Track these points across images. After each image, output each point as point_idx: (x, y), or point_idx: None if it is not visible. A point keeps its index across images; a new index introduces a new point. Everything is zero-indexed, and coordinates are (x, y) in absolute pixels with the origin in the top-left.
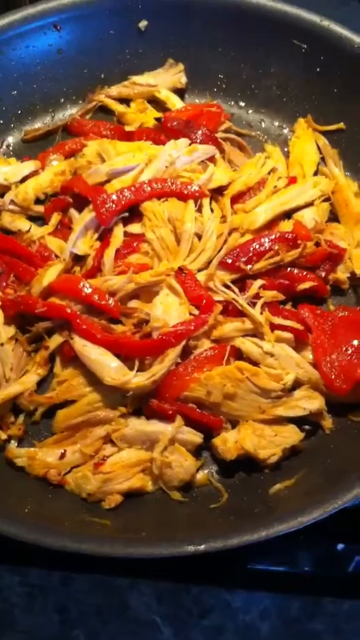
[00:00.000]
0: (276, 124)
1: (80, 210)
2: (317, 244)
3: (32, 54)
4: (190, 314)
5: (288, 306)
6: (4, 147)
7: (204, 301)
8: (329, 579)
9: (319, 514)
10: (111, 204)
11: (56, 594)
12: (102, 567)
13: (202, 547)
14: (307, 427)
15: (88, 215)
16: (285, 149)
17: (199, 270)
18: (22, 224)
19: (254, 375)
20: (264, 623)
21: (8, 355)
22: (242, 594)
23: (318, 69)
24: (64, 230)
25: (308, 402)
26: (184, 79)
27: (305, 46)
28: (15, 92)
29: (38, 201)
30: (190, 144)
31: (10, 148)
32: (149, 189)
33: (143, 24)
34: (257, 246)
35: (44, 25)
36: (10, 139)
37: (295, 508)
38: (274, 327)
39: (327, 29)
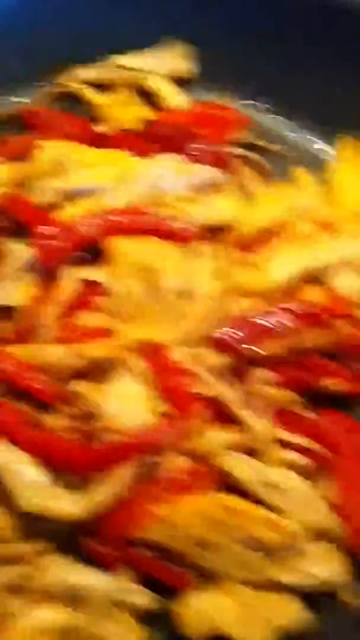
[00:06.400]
0: (314, 139)
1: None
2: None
3: None
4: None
5: None
6: None
7: (181, 396)
8: None
9: None
10: (59, 239)
11: None
12: None
13: None
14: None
15: (26, 251)
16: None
17: (180, 344)
18: None
19: (243, 517)
20: None
21: None
22: None
23: None
24: None
25: (321, 566)
26: (190, 66)
27: None
28: None
29: None
30: (184, 162)
31: None
32: (118, 220)
33: None
34: (269, 320)
35: None
36: None
37: None
38: (283, 444)
39: None
